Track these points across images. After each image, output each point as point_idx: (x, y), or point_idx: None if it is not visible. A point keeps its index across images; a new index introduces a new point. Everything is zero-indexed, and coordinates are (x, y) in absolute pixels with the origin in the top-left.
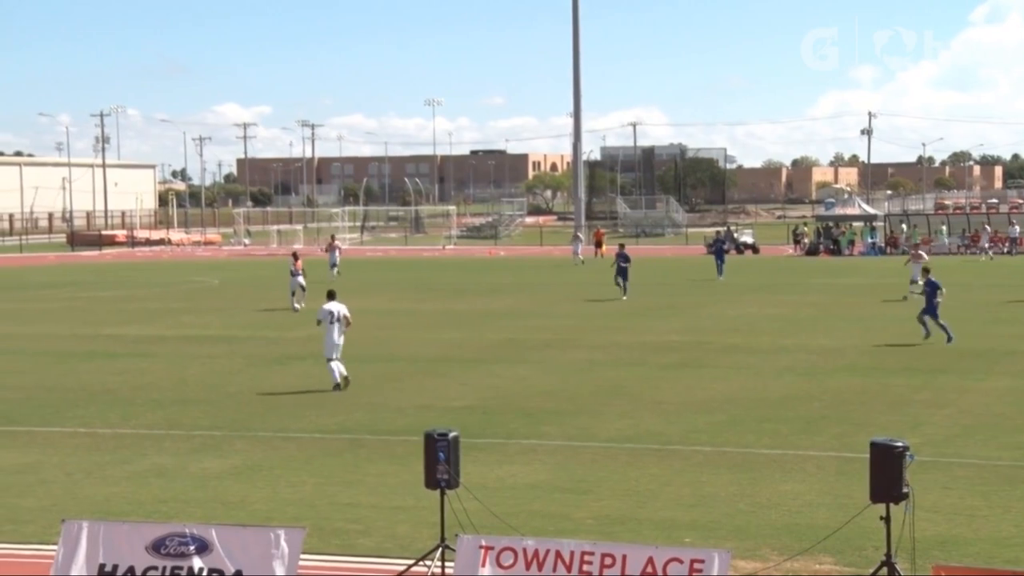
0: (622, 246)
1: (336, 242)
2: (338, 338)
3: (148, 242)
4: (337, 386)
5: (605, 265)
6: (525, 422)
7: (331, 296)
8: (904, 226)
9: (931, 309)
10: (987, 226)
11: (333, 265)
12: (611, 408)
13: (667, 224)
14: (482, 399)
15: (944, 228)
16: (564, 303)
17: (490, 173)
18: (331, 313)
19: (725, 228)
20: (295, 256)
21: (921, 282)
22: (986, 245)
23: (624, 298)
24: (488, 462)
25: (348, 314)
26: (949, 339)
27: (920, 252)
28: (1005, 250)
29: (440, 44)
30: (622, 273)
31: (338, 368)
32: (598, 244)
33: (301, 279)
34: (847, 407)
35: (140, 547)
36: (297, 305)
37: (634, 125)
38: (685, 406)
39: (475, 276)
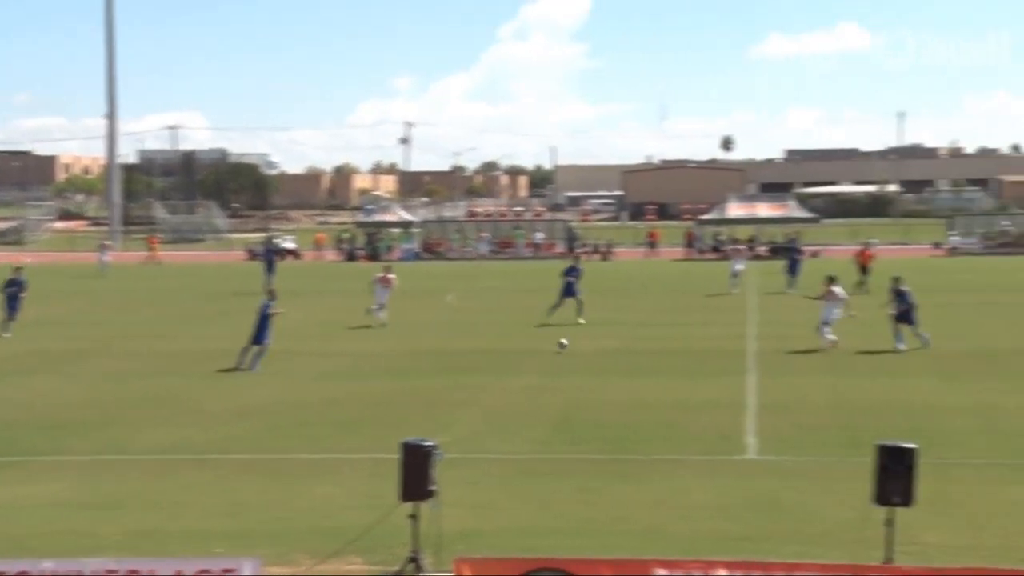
0: (17, 269)
1: None
2: None
3: None
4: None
5: (152, 273)
6: (48, 436)
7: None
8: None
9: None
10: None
11: None
12: (146, 418)
13: (208, 230)
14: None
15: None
16: (99, 311)
17: (14, 175)
18: None
19: (268, 235)
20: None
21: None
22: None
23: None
24: (7, 482)
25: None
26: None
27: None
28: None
29: None
30: (12, 303)
31: None
32: (150, 249)
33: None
34: (383, 408)
35: None
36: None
37: (173, 128)
38: (224, 414)
39: None
